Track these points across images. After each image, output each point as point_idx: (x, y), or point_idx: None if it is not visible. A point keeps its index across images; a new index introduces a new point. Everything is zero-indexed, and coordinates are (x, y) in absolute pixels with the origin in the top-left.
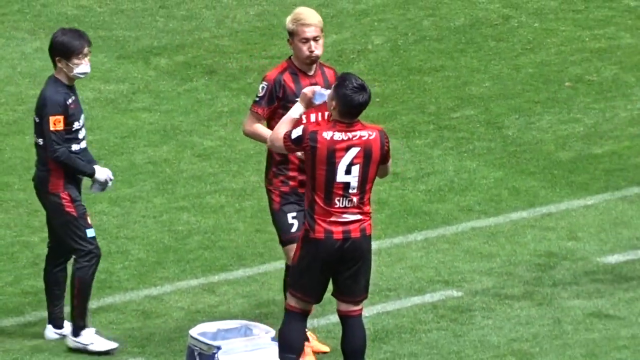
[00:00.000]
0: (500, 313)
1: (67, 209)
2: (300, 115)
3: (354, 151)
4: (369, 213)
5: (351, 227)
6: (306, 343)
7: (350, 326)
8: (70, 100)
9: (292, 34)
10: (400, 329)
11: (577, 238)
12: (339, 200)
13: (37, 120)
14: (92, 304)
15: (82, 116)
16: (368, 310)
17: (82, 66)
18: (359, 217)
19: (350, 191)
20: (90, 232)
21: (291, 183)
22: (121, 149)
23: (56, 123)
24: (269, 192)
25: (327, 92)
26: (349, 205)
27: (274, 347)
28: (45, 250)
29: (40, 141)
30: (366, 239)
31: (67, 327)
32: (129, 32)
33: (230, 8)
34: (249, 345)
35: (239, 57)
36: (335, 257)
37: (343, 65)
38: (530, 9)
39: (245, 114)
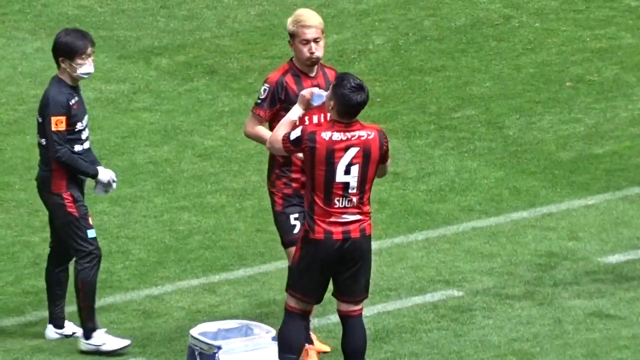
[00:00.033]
0: (501, 313)
1: (69, 209)
2: (299, 117)
3: (353, 151)
4: (369, 213)
5: (351, 227)
6: (310, 346)
7: (351, 326)
8: (73, 101)
9: (292, 35)
10: (401, 328)
11: (578, 238)
12: (338, 201)
13: (40, 120)
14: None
15: (86, 117)
16: (369, 310)
17: (86, 66)
18: (358, 217)
19: (350, 191)
20: (91, 233)
21: (294, 185)
22: (122, 148)
23: (58, 123)
24: (271, 194)
25: (325, 93)
26: (349, 206)
27: (275, 347)
28: (46, 250)
29: (43, 141)
30: (366, 239)
31: (68, 327)
32: (129, 32)
33: (231, 8)
34: (250, 345)
35: (240, 57)
36: (335, 257)
37: (344, 65)
38: (531, 9)
39: (247, 115)
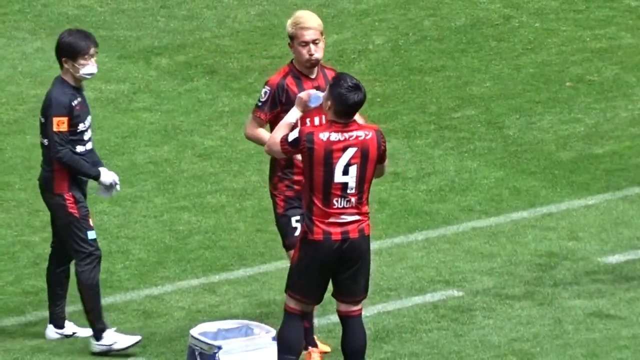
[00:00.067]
0: (501, 313)
1: (70, 210)
2: (301, 120)
3: (351, 151)
4: (367, 213)
5: (349, 227)
6: (314, 349)
7: (351, 326)
8: (75, 102)
9: (292, 37)
10: (401, 328)
11: (578, 238)
12: (337, 201)
13: (42, 121)
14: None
15: (89, 117)
16: (369, 310)
17: (88, 67)
18: (357, 217)
19: (349, 191)
20: (91, 234)
21: (296, 187)
22: (122, 148)
23: (59, 124)
24: (273, 196)
25: (322, 94)
26: (348, 206)
27: (275, 347)
28: (46, 250)
29: (46, 141)
30: (365, 239)
31: (68, 327)
32: (130, 32)
33: (231, 8)
34: (250, 345)
35: (240, 57)
36: (333, 258)
37: (344, 65)
38: (531, 9)
39: (247, 117)
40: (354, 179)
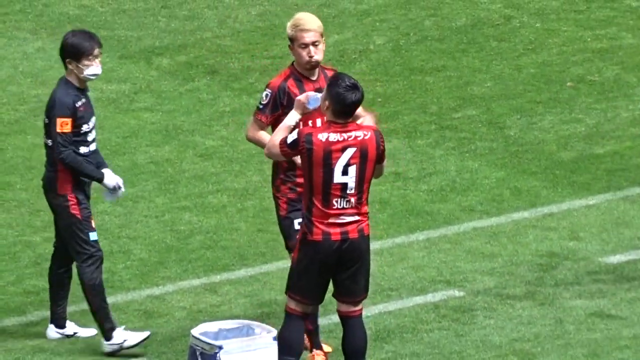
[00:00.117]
0: (502, 313)
1: (72, 211)
2: (302, 122)
3: (350, 152)
4: (367, 213)
5: (349, 228)
6: (318, 351)
7: (351, 326)
8: (79, 103)
9: (292, 39)
10: (402, 328)
11: (579, 238)
12: (336, 202)
13: (46, 121)
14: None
15: (93, 118)
16: (370, 310)
17: (93, 67)
18: (356, 217)
19: (348, 192)
20: (93, 236)
21: (299, 189)
22: (123, 148)
23: (63, 125)
24: (276, 198)
25: (320, 95)
26: (347, 206)
27: (276, 347)
28: (47, 250)
29: (49, 142)
30: (364, 239)
31: (69, 327)
32: (131, 32)
33: (232, 8)
34: (251, 345)
35: (241, 57)
36: (333, 258)
37: (345, 65)
38: (531, 9)
39: (249, 118)
40: (354, 179)
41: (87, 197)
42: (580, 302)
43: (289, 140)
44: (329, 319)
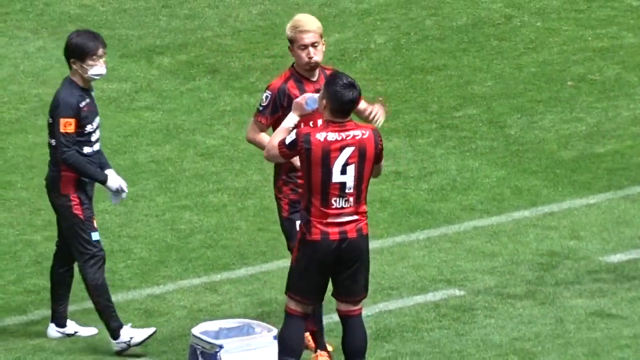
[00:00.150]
0: (502, 312)
1: (75, 211)
2: (303, 124)
3: (348, 151)
4: (365, 213)
5: (347, 227)
6: (323, 352)
7: (351, 326)
8: (83, 103)
9: (291, 41)
10: (403, 327)
11: (580, 237)
12: (335, 201)
13: (50, 121)
14: None
15: (97, 119)
16: (370, 309)
17: (97, 67)
18: (355, 217)
19: (347, 191)
20: (95, 236)
21: (300, 190)
22: (124, 147)
23: (66, 125)
24: (277, 199)
25: (318, 95)
26: (346, 206)
27: (276, 346)
28: (48, 249)
29: (53, 142)
30: (363, 238)
31: (70, 326)
32: (131, 31)
33: (233, 7)
34: (251, 344)
35: (242, 56)
36: (331, 258)
37: (346, 65)
38: (532, 9)
39: (249, 120)
40: (352, 179)
41: (90, 198)
42: (580, 302)
43: (288, 141)
44: (329, 317)
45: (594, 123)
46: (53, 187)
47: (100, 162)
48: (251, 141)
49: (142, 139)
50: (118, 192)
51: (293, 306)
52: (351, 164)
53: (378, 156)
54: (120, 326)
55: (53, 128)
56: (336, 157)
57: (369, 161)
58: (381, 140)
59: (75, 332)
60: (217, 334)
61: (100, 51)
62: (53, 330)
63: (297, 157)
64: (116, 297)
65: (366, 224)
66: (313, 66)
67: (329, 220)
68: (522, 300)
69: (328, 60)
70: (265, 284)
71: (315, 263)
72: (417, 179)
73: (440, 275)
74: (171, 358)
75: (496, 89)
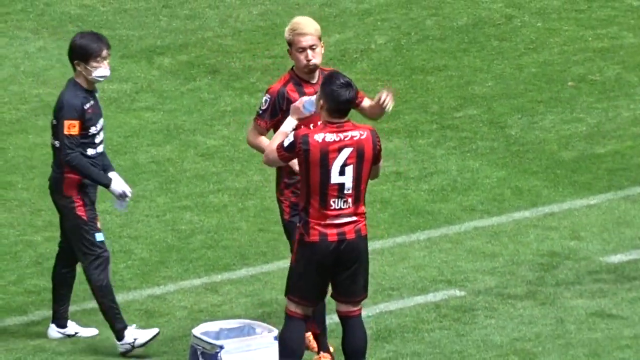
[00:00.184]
0: (503, 312)
1: (78, 213)
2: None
3: (346, 152)
4: (364, 213)
5: (346, 228)
6: (326, 354)
7: (351, 326)
8: (87, 105)
9: (290, 43)
10: (403, 328)
11: (580, 238)
12: (334, 202)
13: (54, 123)
14: (95, 303)
15: (101, 120)
16: (371, 310)
17: (101, 69)
18: (353, 218)
19: (346, 192)
20: (99, 236)
21: None
22: (124, 148)
23: (70, 127)
24: (279, 202)
25: (314, 97)
26: (345, 207)
27: (277, 347)
28: (49, 249)
29: (57, 143)
30: (362, 239)
31: (71, 326)
32: (132, 31)
33: (234, 7)
34: (252, 344)
35: (242, 57)
36: (330, 259)
37: (346, 65)
38: (533, 9)
39: (249, 123)
40: (351, 179)
41: (93, 201)
42: (581, 302)
43: (286, 143)
44: (329, 318)
45: (595, 123)
46: (56, 188)
47: (103, 164)
48: (251, 144)
49: (143, 140)
50: (121, 196)
51: (293, 308)
52: (349, 164)
53: (376, 157)
54: (125, 327)
55: (57, 130)
56: (334, 158)
57: (367, 162)
58: (379, 141)
59: (76, 333)
60: (218, 335)
61: (104, 53)
62: (54, 331)
63: (296, 160)
64: (117, 298)
65: (365, 224)
66: (312, 69)
67: (328, 221)
68: (523, 301)
69: (328, 61)
70: (265, 284)
71: (314, 264)
72: (417, 179)
73: (440, 275)
74: (172, 358)
75: (497, 90)
